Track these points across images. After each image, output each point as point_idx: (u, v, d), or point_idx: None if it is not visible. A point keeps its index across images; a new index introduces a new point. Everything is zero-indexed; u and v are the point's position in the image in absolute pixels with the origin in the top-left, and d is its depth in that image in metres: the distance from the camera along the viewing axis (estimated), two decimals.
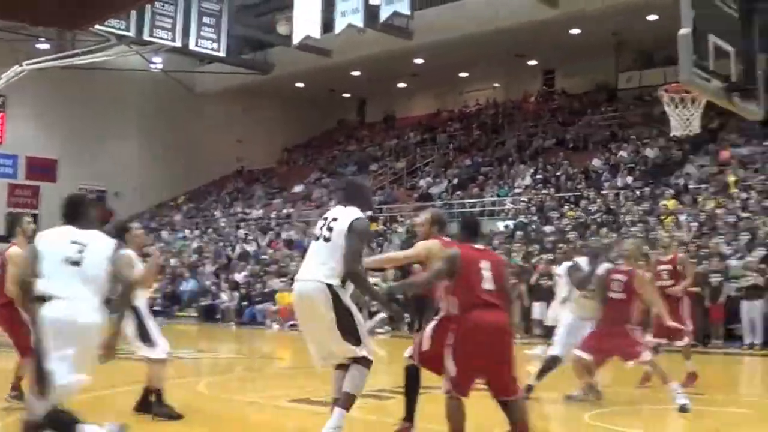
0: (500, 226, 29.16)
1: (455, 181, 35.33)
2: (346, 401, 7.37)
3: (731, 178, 25.58)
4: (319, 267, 7.40)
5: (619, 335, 10.44)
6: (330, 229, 7.46)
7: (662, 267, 12.82)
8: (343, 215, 7.50)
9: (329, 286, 7.27)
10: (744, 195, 24.74)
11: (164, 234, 40.97)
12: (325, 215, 7.66)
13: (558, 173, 32.28)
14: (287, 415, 10.51)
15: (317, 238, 7.55)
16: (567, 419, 10.53)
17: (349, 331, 7.32)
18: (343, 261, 7.29)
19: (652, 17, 31.63)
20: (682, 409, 10.06)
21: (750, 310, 19.73)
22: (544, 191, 30.79)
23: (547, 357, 11.38)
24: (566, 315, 11.52)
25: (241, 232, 37.44)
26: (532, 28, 33.49)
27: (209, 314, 30.75)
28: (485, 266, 7.19)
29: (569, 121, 37.87)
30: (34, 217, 41.90)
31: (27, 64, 27.83)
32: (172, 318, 31.35)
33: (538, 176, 32.69)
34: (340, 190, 8.22)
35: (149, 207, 45.71)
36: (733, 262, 20.79)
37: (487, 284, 7.12)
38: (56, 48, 35.88)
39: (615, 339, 10.42)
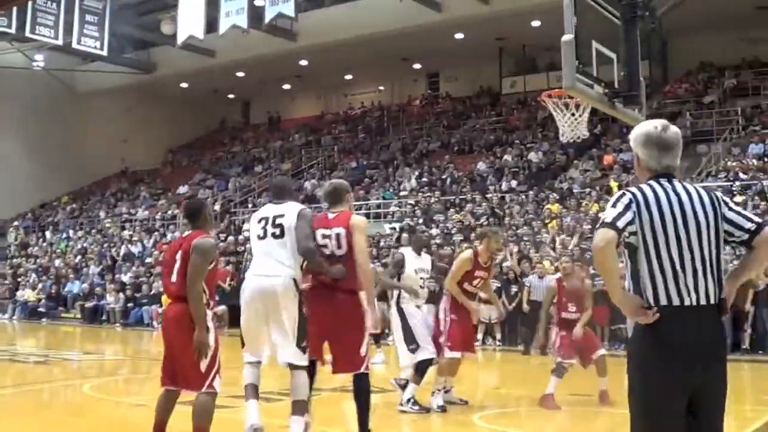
0: (386, 228, 29.43)
1: None
2: (302, 408, 7.53)
3: (614, 183, 26.12)
4: (279, 263, 7.54)
5: None
6: (278, 226, 7.63)
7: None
8: (288, 210, 7.69)
9: (295, 281, 7.51)
10: None
11: (47, 234, 40.35)
12: (263, 215, 7.79)
13: (443, 176, 32.66)
14: (174, 416, 10.55)
15: (262, 237, 7.69)
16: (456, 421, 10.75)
17: (301, 336, 7.49)
18: (296, 242, 7.51)
19: (535, 23, 32.38)
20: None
21: None
22: (429, 194, 31.10)
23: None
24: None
25: (126, 233, 37.04)
26: (416, 32, 33.94)
27: (94, 315, 30.40)
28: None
29: (454, 125, 38.45)
30: None
31: None
32: (56, 319, 30.98)
33: (424, 179, 33.02)
34: (274, 188, 8.27)
35: (31, 207, 44.84)
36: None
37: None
38: None
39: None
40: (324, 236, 7.87)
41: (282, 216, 7.66)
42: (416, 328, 10.44)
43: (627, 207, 4.27)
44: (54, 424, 9.96)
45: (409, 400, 10.30)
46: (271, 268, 7.55)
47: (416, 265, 10.76)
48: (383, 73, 43.17)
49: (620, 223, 4.24)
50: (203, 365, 6.82)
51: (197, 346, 6.76)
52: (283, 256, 7.56)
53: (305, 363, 7.55)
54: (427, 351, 10.37)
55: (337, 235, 7.84)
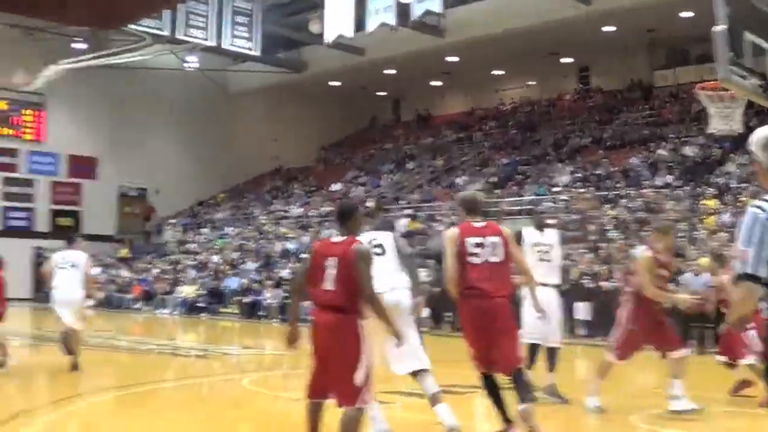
0: None
1: (492, 179, 35.04)
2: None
3: None
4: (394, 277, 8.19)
5: None
6: (380, 246, 8.34)
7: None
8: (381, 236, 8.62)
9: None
10: None
11: (205, 231, 41.22)
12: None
13: (597, 172, 31.91)
14: (332, 411, 10.46)
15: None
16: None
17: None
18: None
19: (686, 14, 31.31)
20: None
21: None
22: (582, 190, 30.41)
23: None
24: None
25: (282, 230, 37.49)
26: (565, 25, 33.29)
27: (252, 311, 30.80)
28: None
29: (606, 119, 37.50)
30: (76, 214, 42.76)
31: (63, 64, 28.11)
32: (215, 314, 31.53)
33: (577, 175, 32.34)
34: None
35: (190, 205, 45.97)
36: None
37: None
38: (92, 47, 36.23)
39: None
40: (477, 245, 7.97)
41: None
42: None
43: (762, 238, 3.81)
44: (213, 416, 10.02)
45: None
46: (393, 283, 8.15)
47: (534, 239, 11.00)
48: (532, 68, 42.42)
49: (763, 270, 3.78)
50: (358, 378, 6.55)
51: (394, 335, 6.85)
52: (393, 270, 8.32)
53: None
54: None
55: (493, 244, 7.98)
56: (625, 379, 11.89)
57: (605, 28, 34.42)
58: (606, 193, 29.47)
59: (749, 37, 7.97)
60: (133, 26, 29.03)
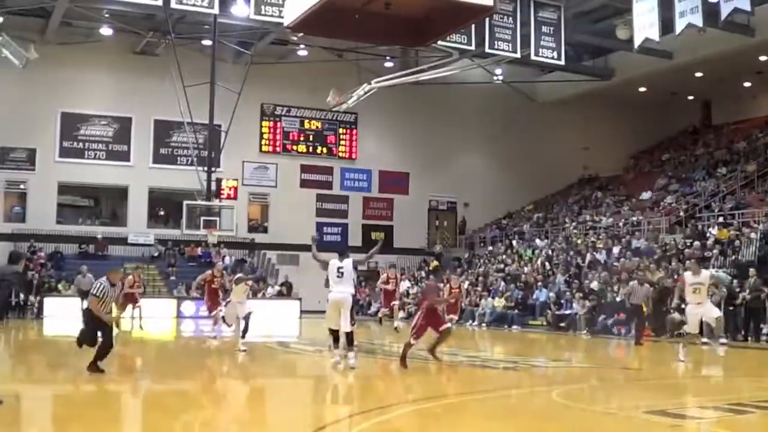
0: None
1: None
2: None
3: None
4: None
5: None
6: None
7: None
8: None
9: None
10: None
11: (513, 243, 41.42)
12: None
13: None
14: (644, 427, 10.23)
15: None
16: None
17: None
18: None
19: None
20: None
21: None
22: None
23: None
24: None
25: (591, 240, 37.05)
26: None
27: (560, 322, 30.64)
28: None
29: None
30: (387, 228, 44.28)
31: (375, 82, 29.07)
32: (524, 326, 31.63)
33: None
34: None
35: (498, 216, 46.41)
36: None
37: None
38: (401, 66, 37.29)
39: None
40: None
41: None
42: None
43: None
44: (524, 428, 10.03)
45: None
46: None
47: None
48: None
49: None
50: None
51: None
52: None
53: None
54: None
55: None
56: None
57: None
58: None
59: None
60: (441, 42, 29.61)
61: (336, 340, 15.77)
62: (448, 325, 16.92)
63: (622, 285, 29.11)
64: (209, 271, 23.33)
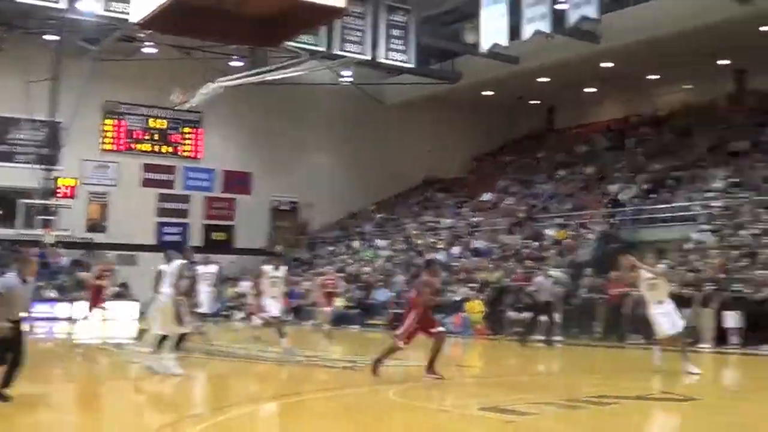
0: (693, 231, 28.34)
1: (646, 186, 34.38)
2: None
3: None
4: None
5: None
6: None
7: None
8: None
9: None
10: None
11: (355, 244, 41.62)
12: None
13: (754, 176, 30.89)
14: (477, 422, 10.49)
15: None
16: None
17: None
18: None
19: None
20: None
21: None
22: (740, 195, 29.50)
23: None
24: None
25: (431, 241, 37.55)
26: (722, 26, 32.41)
27: (400, 322, 30.93)
28: None
29: (764, 122, 36.37)
30: (229, 228, 43.92)
31: (220, 81, 28.80)
32: (363, 326, 31.85)
33: (733, 180, 31.41)
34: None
35: (340, 217, 46.57)
36: None
37: None
38: (249, 65, 37.06)
39: None
40: None
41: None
42: None
43: None
44: (361, 427, 10.20)
45: None
46: None
47: None
48: (688, 71, 41.39)
49: None
50: None
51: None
52: None
53: None
54: None
55: None
56: None
57: (763, 28, 33.41)
58: (765, 198, 28.51)
59: None
60: (291, 43, 29.60)
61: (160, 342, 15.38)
62: (441, 328, 15.52)
63: (460, 285, 29.73)
64: (97, 267, 22.22)
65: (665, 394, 13.42)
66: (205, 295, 20.64)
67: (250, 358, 18.91)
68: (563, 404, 11.62)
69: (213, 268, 21.95)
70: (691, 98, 42.73)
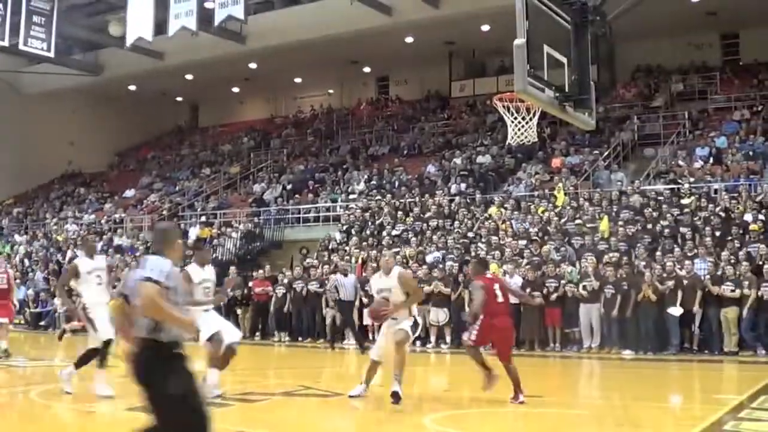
0: (335, 231, 29.36)
1: (290, 186, 35.25)
2: None
3: (559, 187, 25.93)
4: None
5: None
6: None
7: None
8: None
9: None
10: (574, 203, 25.21)
11: None
12: None
13: (392, 179, 32.45)
14: (125, 422, 10.48)
15: None
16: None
17: None
18: None
19: (485, 27, 32.32)
20: None
21: (587, 313, 20.14)
22: (378, 197, 30.83)
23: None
24: None
25: (72, 237, 36.49)
26: (366, 35, 33.95)
27: (38, 321, 30.01)
28: None
29: (403, 128, 38.37)
30: None
31: None
32: None
33: (373, 182, 32.86)
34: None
35: None
36: (568, 268, 20.99)
37: None
38: None
39: None
40: None
41: None
42: None
43: None
44: (6, 430, 9.90)
45: None
46: None
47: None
48: (333, 77, 43.04)
49: None
50: None
51: None
52: None
53: None
54: None
55: None
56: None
57: (406, 39, 35.22)
58: (401, 200, 29.95)
59: (547, 50, 8.50)
60: None
61: None
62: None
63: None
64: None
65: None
66: None
67: None
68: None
69: None
70: (335, 102, 44.30)
